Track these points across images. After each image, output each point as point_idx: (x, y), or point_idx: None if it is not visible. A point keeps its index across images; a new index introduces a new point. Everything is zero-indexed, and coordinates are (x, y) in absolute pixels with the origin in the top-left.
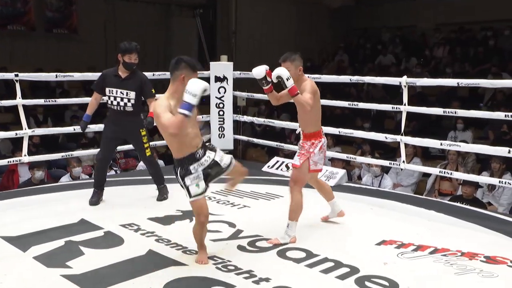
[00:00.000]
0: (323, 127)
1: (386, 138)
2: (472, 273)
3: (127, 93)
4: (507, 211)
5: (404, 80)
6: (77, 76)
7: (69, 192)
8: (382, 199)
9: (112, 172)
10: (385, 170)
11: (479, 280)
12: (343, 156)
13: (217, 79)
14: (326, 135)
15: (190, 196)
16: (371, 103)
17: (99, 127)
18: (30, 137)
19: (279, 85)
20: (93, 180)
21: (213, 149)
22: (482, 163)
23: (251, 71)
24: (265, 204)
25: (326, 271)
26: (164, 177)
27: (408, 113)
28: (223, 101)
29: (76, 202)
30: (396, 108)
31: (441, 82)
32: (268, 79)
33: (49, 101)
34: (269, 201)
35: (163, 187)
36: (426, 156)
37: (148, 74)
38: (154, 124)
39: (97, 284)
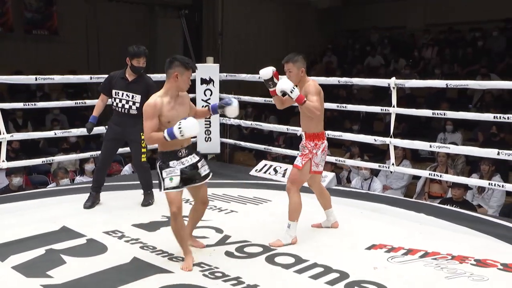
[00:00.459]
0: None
1: (375, 140)
2: (462, 277)
3: (133, 96)
4: (496, 213)
5: (393, 82)
6: (58, 78)
7: (50, 198)
8: (372, 202)
9: None
10: (375, 173)
11: (470, 283)
12: (332, 159)
13: (203, 81)
14: None
15: (163, 188)
16: (360, 105)
17: (81, 131)
18: (9, 142)
19: None
20: (74, 186)
21: (198, 155)
22: (472, 165)
23: (237, 73)
24: (253, 209)
25: (315, 276)
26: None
27: (397, 115)
28: (210, 103)
29: (57, 209)
30: (385, 110)
31: (430, 84)
32: (275, 80)
33: (28, 104)
34: (257, 205)
35: (149, 193)
36: (416, 158)
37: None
38: None
39: None
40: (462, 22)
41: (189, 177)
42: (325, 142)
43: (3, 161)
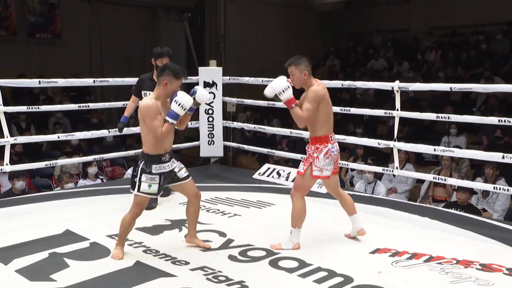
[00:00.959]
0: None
1: (379, 144)
2: (467, 281)
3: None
4: (501, 217)
5: (396, 85)
6: (61, 82)
7: (53, 202)
8: (376, 206)
9: (98, 181)
10: (378, 176)
11: None
12: None
13: (206, 84)
14: None
15: (138, 191)
16: (363, 108)
17: (84, 134)
18: (12, 146)
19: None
20: (77, 189)
21: (177, 159)
22: (476, 169)
23: (240, 76)
24: (256, 213)
25: (319, 280)
26: None
27: (401, 118)
28: (213, 107)
29: (61, 213)
30: (389, 113)
31: (434, 87)
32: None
33: (32, 108)
34: (260, 209)
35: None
36: (420, 162)
37: (134, 80)
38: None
39: None
40: (465, 25)
41: (168, 183)
42: (330, 145)
43: (7, 164)
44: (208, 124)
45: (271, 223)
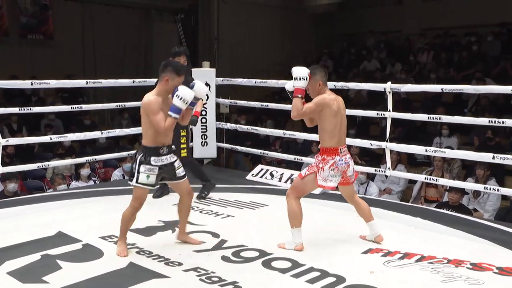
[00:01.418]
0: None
1: (371, 144)
2: (458, 281)
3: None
4: (492, 217)
5: (388, 86)
6: (54, 83)
7: (45, 204)
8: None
9: (91, 182)
10: (371, 177)
11: (466, 287)
12: None
13: None
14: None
15: (136, 181)
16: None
17: (77, 136)
18: (4, 147)
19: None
20: (70, 191)
21: (175, 156)
22: (468, 169)
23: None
24: (249, 213)
25: (312, 281)
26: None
27: (394, 119)
28: (206, 108)
29: (53, 214)
30: (381, 114)
31: (425, 88)
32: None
33: (24, 109)
34: (253, 210)
35: (205, 184)
36: (412, 162)
37: (128, 81)
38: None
39: None
40: (457, 27)
41: (165, 176)
42: (337, 158)
43: None
44: (202, 126)
45: (264, 224)
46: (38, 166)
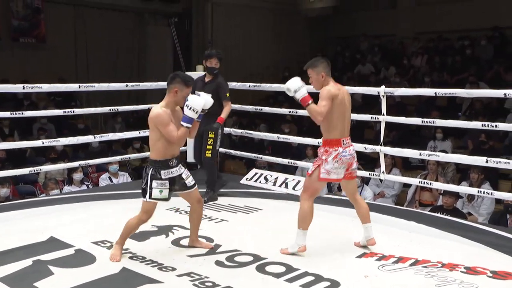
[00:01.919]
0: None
1: (365, 148)
2: (452, 285)
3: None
4: (486, 221)
5: (382, 90)
6: (46, 87)
7: (37, 209)
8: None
9: (84, 187)
10: (365, 181)
11: None
12: None
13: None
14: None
15: (150, 197)
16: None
17: (69, 140)
18: None
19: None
20: (62, 196)
21: (183, 166)
22: (462, 173)
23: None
24: (243, 218)
25: (306, 285)
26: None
27: (388, 123)
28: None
29: (45, 219)
30: (375, 118)
31: (419, 92)
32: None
33: (15, 113)
34: (247, 214)
35: (209, 192)
36: (406, 166)
37: (121, 85)
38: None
39: None
40: (450, 30)
41: (175, 187)
42: (340, 149)
43: None
44: None
45: (259, 228)
46: (30, 171)
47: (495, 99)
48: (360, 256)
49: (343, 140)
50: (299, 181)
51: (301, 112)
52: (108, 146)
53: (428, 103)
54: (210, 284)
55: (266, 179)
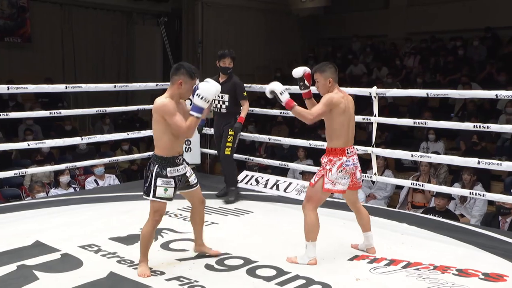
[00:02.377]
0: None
1: (357, 150)
2: (444, 287)
3: (222, 96)
4: (479, 222)
5: (374, 91)
6: (32, 88)
7: (23, 212)
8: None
9: (71, 190)
10: None
11: None
12: (314, 169)
13: None
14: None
15: (153, 196)
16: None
17: (56, 142)
18: None
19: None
20: (49, 199)
21: (187, 164)
22: (455, 174)
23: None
24: (234, 221)
25: None
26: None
27: (380, 124)
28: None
29: (30, 223)
30: (367, 119)
31: (411, 93)
32: (306, 83)
33: (0, 114)
34: (238, 217)
35: (233, 189)
36: (399, 168)
37: (109, 86)
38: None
39: None
40: (442, 31)
41: (180, 188)
42: (344, 159)
43: None
44: None
45: (249, 231)
46: (15, 174)
47: (488, 100)
48: (351, 259)
49: (347, 149)
50: (290, 183)
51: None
52: (96, 148)
53: (421, 104)
54: None
55: (257, 181)
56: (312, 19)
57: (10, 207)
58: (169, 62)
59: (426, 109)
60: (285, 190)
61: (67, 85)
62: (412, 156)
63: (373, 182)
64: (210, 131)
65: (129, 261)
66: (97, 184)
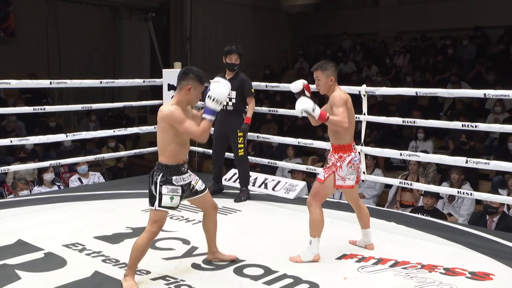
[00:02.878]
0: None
1: None
2: (431, 286)
3: (229, 93)
4: (466, 221)
5: (363, 89)
6: (15, 83)
7: (5, 210)
8: (343, 211)
9: (55, 188)
10: None
11: None
12: (303, 167)
13: (170, 87)
14: (287, 146)
15: (159, 205)
16: None
17: (39, 139)
18: None
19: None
20: (32, 197)
21: (191, 171)
22: (443, 174)
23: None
24: (221, 219)
25: None
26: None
27: (370, 123)
28: None
29: (13, 221)
30: (356, 117)
31: (400, 91)
32: (307, 93)
33: None
34: (226, 215)
35: (244, 190)
36: (388, 166)
37: (95, 82)
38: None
39: None
40: (432, 30)
41: (186, 196)
42: (353, 154)
43: None
44: None
45: (237, 230)
46: None
47: (476, 99)
48: (339, 258)
49: (353, 145)
50: (278, 182)
51: (281, 111)
52: (82, 145)
53: (410, 103)
54: (185, 287)
55: None
56: (302, 16)
57: None
58: (156, 59)
59: (416, 108)
60: (273, 189)
61: (52, 81)
62: (401, 155)
63: (362, 181)
64: (91, 135)
65: (114, 260)
66: (81, 182)
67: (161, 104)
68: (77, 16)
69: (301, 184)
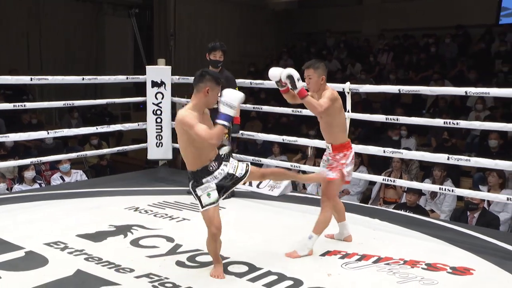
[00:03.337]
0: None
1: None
2: (413, 281)
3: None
4: (448, 217)
5: (347, 87)
6: None
7: None
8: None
9: (36, 186)
10: None
11: (420, 287)
12: (287, 164)
13: (154, 84)
14: (271, 143)
15: (202, 206)
16: None
17: (19, 136)
18: None
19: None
20: (12, 195)
21: (227, 160)
22: (426, 170)
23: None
24: None
25: (269, 284)
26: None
27: (354, 120)
28: (161, 107)
29: None
30: None
31: (383, 89)
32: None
33: None
34: None
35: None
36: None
37: (77, 78)
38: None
39: None
40: (415, 28)
41: (230, 186)
42: (353, 151)
43: None
44: (156, 126)
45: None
46: None
47: (458, 97)
48: (323, 255)
49: (350, 142)
50: None
51: (265, 108)
52: (64, 142)
53: (393, 101)
54: (170, 285)
55: None
56: (286, 13)
57: None
58: (140, 55)
59: (399, 106)
60: (258, 186)
61: (33, 77)
62: (384, 152)
63: None
64: (73, 132)
65: (97, 258)
66: (63, 180)
67: (144, 101)
68: (60, 11)
69: (285, 181)
